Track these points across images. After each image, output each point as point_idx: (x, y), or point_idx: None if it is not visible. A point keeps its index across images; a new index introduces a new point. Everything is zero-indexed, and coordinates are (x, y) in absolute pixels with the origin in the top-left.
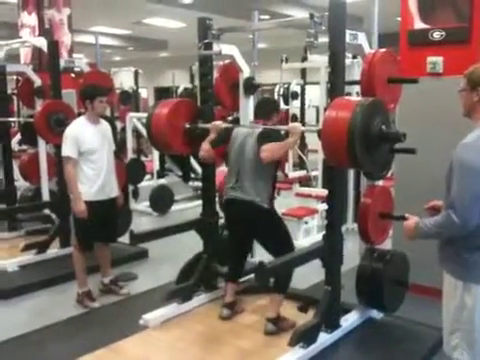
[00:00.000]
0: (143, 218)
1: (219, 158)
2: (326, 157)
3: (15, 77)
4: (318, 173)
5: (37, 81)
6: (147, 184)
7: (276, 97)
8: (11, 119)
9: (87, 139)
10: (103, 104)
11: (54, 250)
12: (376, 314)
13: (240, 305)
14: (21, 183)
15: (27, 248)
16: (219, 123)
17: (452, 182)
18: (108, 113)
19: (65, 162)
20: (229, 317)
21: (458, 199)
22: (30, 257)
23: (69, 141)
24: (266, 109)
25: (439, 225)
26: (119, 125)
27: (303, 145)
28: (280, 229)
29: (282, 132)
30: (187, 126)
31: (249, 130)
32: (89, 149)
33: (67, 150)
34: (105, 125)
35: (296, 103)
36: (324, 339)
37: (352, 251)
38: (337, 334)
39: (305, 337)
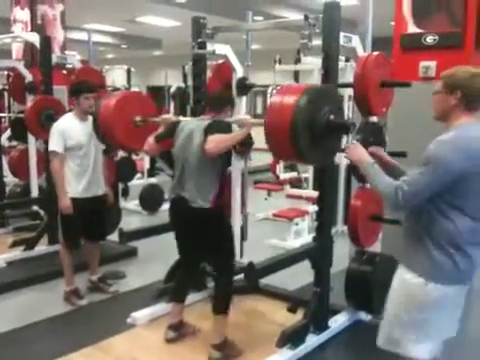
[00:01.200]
0: (133, 217)
1: (162, 149)
2: (270, 149)
3: (6, 72)
4: (309, 175)
5: (28, 77)
6: (137, 183)
7: (268, 98)
8: (1, 114)
9: (73, 135)
10: (89, 101)
11: (42, 247)
12: (364, 316)
13: (190, 327)
14: (10, 179)
15: (15, 245)
16: (168, 116)
17: (418, 167)
18: None
19: (51, 157)
20: (174, 339)
21: (413, 184)
22: (18, 254)
23: (55, 136)
24: (219, 101)
25: (384, 188)
26: None
27: None
28: (222, 236)
29: (233, 125)
30: (137, 119)
31: (197, 123)
32: (75, 145)
33: (53, 145)
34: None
35: None
36: (312, 340)
37: (342, 253)
38: (325, 335)
39: (293, 338)
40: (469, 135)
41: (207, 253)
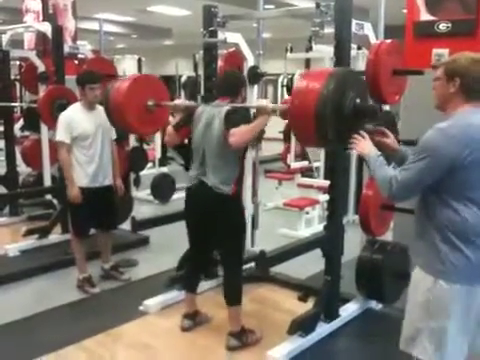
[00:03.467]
0: (144, 206)
1: (183, 140)
2: (294, 134)
3: (18, 63)
4: (320, 164)
5: (41, 67)
6: (149, 172)
7: (280, 88)
8: (14, 104)
9: (80, 124)
10: (94, 91)
11: (55, 235)
12: (375, 305)
13: (203, 315)
14: (23, 168)
15: (29, 233)
16: (181, 102)
17: (413, 155)
18: None
19: (58, 147)
20: (190, 328)
21: (406, 176)
22: (32, 242)
23: (62, 126)
24: (232, 84)
25: (381, 179)
26: None
27: None
28: (238, 224)
29: (251, 111)
30: (149, 103)
31: (215, 109)
32: (81, 134)
33: (60, 135)
34: (102, 112)
35: None
36: (323, 328)
37: (353, 242)
38: (336, 324)
39: (304, 326)
40: (465, 122)
41: (219, 241)
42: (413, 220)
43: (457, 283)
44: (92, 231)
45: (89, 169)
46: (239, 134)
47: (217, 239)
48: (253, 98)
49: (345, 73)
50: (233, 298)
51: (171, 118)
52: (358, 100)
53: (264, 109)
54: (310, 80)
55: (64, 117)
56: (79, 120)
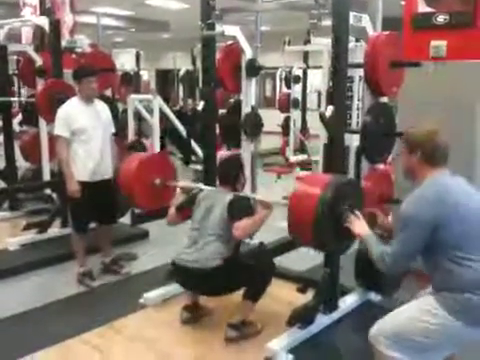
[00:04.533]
0: None
1: (184, 220)
2: (291, 234)
3: (16, 57)
4: (319, 157)
5: (38, 61)
6: None
7: (278, 81)
8: (12, 99)
9: (78, 118)
10: (91, 85)
11: (55, 229)
12: (374, 297)
13: (203, 308)
14: (22, 163)
15: (28, 227)
16: (187, 184)
17: (396, 231)
18: (109, 94)
19: (57, 141)
20: (190, 321)
21: (396, 247)
22: (31, 236)
23: (60, 120)
24: (230, 172)
25: (375, 255)
26: (120, 107)
27: (305, 129)
28: (242, 270)
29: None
30: (156, 182)
31: (217, 194)
32: (79, 128)
33: (58, 129)
34: (100, 106)
35: (298, 87)
36: (322, 320)
37: None
38: (335, 315)
39: (303, 318)
40: (435, 183)
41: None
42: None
43: (466, 325)
44: (91, 225)
45: (89, 163)
46: (243, 229)
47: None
48: (251, 91)
49: (341, 182)
50: (254, 294)
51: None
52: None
53: (266, 203)
54: (308, 187)
55: (62, 111)
56: (77, 114)
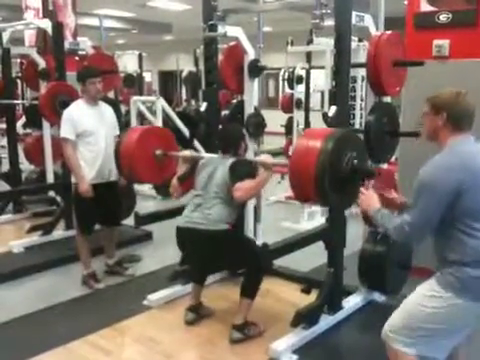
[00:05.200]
0: (147, 201)
1: (187, 191)
2: (292, 190)
3: (19, 60)
4: None
5: (41, 63)
6: None
7: (280, 81)
8: (15, 102)
9: (83, 121)
10: (95, 86)
11: (59, 232)
12: (378, 297)
13: (207, 308)
14: (26, 165)
15: (32, 230)
16: (188, 152)
17: (414, 198)
18: (113, 96)
19: (63, 144)
20: (194, 321)
21: (415, 215)
22: (35, 239)
23: (66, 123)
24: (232, 139)
25: (391, 227)
26: (123, 108)
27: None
28: (244, 246)
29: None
30: (157, 153)
31: (219, 160)
32: (85, 131)
33: (64, 132)
34: (105, 107)
35: (301, 88)
36: (326, 321)
37: (355, 235)
38: (339, 316)
39: (307, 318)
40: (459, 150)
41: (231, 266)
42: (434, 248)
43: (471, 301)
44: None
45: (95, 165)
46: (244, 190)
47: (227, 266)
48: (254, 91)
49: (344, 134)
50: (250, 291)
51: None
52: (356, 161)
53: (267, 164)
54: (309, 141)
55: (67, 114)
56: (82, 116)
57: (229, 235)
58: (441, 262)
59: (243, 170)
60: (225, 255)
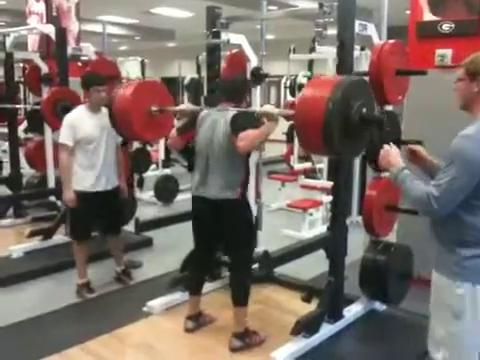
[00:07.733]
0: (148, 207)
1: (186, 142)
2: (299, 140)
3: (22, 65)
4: (323, 165)
5: (44, 68)
6: (152, 174)
7: (282, 89)
8: (18, 106)
9: (84, 127)
10: (99, 94)
11: (59, 237)
12: (379, 306)
13: (206, 316)
14: (27, 170)
15: (32, 234)
16: (186, 106)
17: (444, 168)
18: None
19: (60, 149)
20: (194, 329)
21: (445, 189)
22: (35, 243)
23: (65, 128)
24: (238, 89)
25: (414, 196)
26: None
27: None
28: (247, 227)
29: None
30: (153, 109)
31: (219, 112)
32: (85, 137)
33: (63, 137)
34: (107, 115)
35: None
36: (327, 329)
37: (356, 243)
38: (340, 325)
39: (308, 327)
40: None
41: (229, 245)
42: (430, 226)
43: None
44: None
45: (92, 173)
46: (248, 139)
47: (226, 243)
48: (256, 99)
49: (351, 82)
50: (240, 298)
51: (176, 121)
52: (364, 109)
53: (271, 115)
54: (316, 89)
55: (68, 119)
56: (83, 123)
57: (239, 204)
58: (445, 242)
59: (246, 120)
60: (226, 228)
